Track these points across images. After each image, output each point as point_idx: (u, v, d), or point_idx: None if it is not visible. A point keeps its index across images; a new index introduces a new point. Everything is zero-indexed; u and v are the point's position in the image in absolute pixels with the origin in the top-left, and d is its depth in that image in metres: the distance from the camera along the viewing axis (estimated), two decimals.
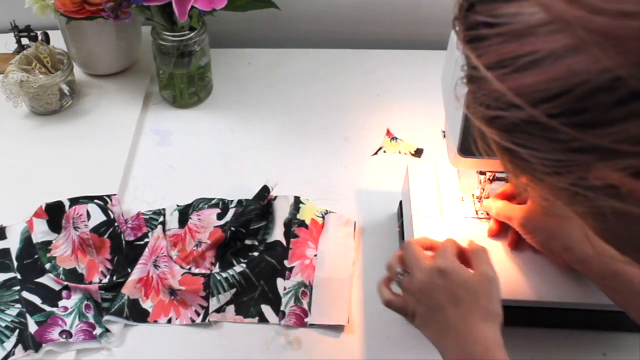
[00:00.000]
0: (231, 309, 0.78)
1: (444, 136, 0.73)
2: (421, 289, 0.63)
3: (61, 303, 0.77)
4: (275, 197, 0.87)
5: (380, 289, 0.68)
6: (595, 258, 0.65)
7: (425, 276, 0.63)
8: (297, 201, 0.88)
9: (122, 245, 0.82)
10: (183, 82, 1.01)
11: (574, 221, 0.67)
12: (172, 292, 0.78)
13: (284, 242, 0.83)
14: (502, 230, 0.76)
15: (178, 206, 0.88)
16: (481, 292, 0.61)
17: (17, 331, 0.74)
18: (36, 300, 0.77)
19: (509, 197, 0.75)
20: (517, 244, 0.75)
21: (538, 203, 0.70)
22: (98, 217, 0.81)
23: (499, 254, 0.74)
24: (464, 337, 0.60)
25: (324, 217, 0.87)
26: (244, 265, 0.80)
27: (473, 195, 0.80)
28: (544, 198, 0.42)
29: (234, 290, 0.78)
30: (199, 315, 0.77)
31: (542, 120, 0.36)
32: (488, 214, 0.77)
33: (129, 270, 0.80)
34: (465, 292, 0.61)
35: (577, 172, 0.37)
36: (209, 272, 0.80)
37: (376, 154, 0.98)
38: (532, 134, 0.37)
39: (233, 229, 0.81)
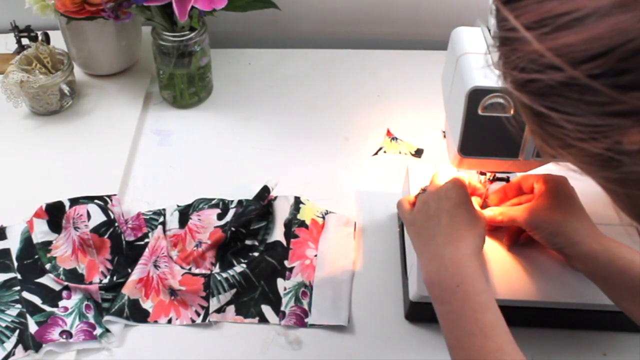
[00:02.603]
0: (231, 309, 0.78)
1: (444, 136, 0.73)
2: (426, 199, 0.69)
3: (61, 303, 0.77)
4: (275, 197, 0.87)
5: (407, 196, 0.76)
6: (602, 253, 0.64)
7: (435, 189, 0.69)
8: (297, 201, 0.88)
9: (122, 245, 0.82)
10: (183, 82, 1.01)
11: (579, 216, 0.68)
12: (172, 292, 0.78)
13: (284, 242, 0.83)
14: (515, 235, 0.75)
15: (178, 206, 0.88)
16: (479, 223, 0.66)
17: (17, 331, 0.74)
18: (36, 300, 0.77)
19: (504, 200, 0.76)
20: (514, 243, 0.75)
21: (543, 199, 0.70)
22: (98, 217, 0.81)
23: (499, 253, 0.75)
24: (447, 242, 0.64)
25: (324, 217, 0.87)
26: (244, 265, 0.80)
27: None
28: (574, 165, 0.41)
29: (234, 290, 0.78)
30: (199, 315, 0.77)
31: (582, 81, 0.34)
32: (493, 225, 0.75)
33: (129, 270, 0.80)
34: (466, 211, 0.66)
35: (613, 136, 0.36)
36: (209, 272, 0.80)
37: (376, 154, 0.98)
38: (568, 97, 0.36)
39: (233, 229, 0.81)
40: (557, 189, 0.70)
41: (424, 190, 0.73)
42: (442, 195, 0.67)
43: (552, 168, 0.72)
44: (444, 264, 0.62)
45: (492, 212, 0.73)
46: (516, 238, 0.75)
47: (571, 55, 0.35)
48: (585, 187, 0.70)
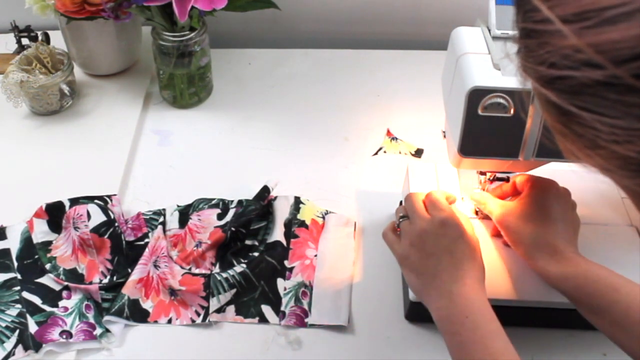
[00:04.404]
0: (231, 309, 0.78)
1: (444, 136, 0.73)
2: (419, 234, 0.67)
3: (61, 303, 0.77)
4: (275, 197, 0.87)
5: (388, 225, 0.73)
6: (594, 268, 0.64)
7: (426, 224, 0.66)
8: (297, 201, 0.88)
9: (122, 245, 0.82)
10: (183, 82, 1.01)
11: (549, 230, 0.67)
12: (172, 292, 0.78)
13: (284, 242, 0.83)
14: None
15: (178, 206, 0.88)
16: (477, 252, 0.66)
17: (17, 331, 0.74)
18: (36, 300, 0.77)
19: (501, 199, 0.76)
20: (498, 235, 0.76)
21: (519, 204, 0.70)
22: (98, 217, 0.81)
23: (499, 253, 0.75)
24: (453, 279, 0.63)
25: (324, 217, 0.87)
26: (244, 265, 0.80)
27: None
28: (602, 168, 0.37)
29: (234, 290, 0.78)
30: (199, 315, 0.77)
31: (625, 80, 0.32)
32: (480, 212, 0.77)
33: (129, 270, 0.80)
34: (464, 245, 0.65)
35: None
36: (209, 272, 0.80)
37: (376, 154, 0.98)
38: (605, 97, 0.33)
39: (233, 229, 0.81)
40: (537, 197, 0.70)
41: (402, 216, 0.70)
42: (439, 232, 0.66)
43: (555, 168, 0.72)
44: (452, 300, 0.62)
45: (479, 197, 0.75)
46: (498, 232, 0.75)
47: (616, 53, 0.32)
48: (586, 187, 0.71)
